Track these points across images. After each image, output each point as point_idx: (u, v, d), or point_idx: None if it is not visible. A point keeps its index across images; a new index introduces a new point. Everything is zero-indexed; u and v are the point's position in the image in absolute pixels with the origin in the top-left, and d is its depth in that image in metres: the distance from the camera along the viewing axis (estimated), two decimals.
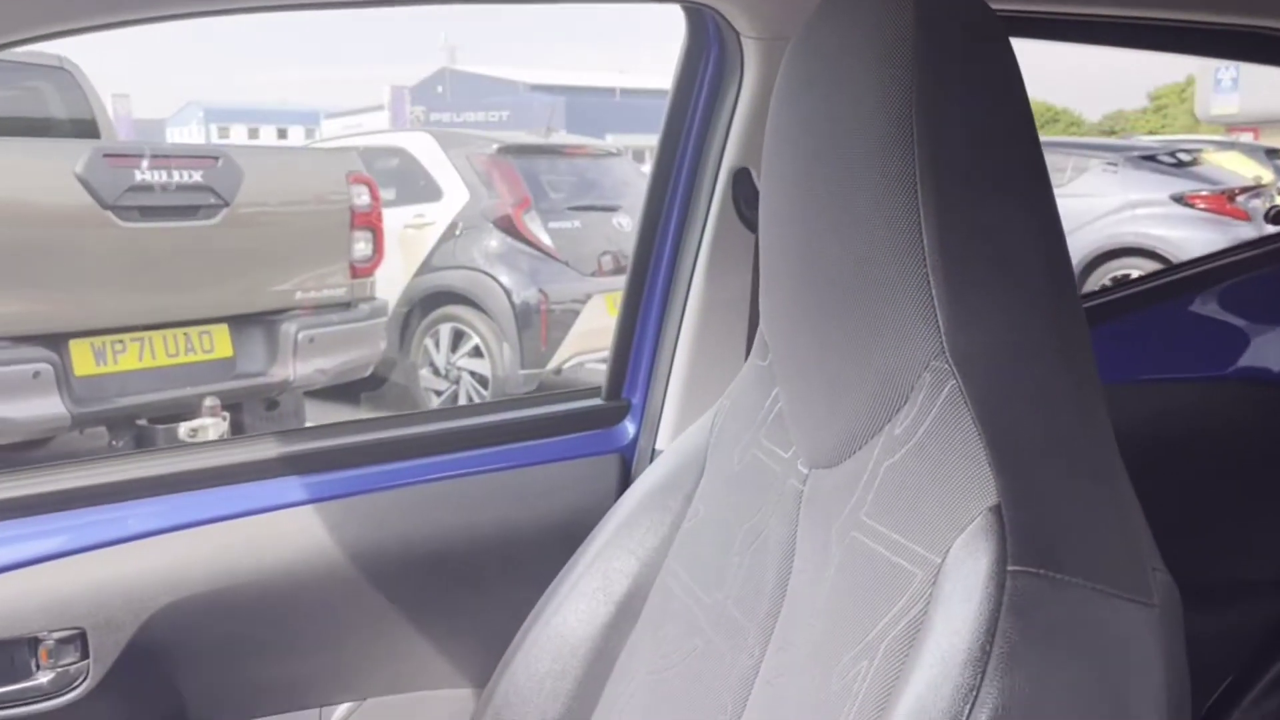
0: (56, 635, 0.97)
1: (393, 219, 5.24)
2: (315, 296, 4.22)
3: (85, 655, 0.98)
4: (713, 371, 1.09)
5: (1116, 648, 0.55)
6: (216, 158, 3.86)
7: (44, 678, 0.97)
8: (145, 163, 3.67)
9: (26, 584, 0.97)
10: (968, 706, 0.51)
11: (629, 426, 1.18)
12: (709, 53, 1.08)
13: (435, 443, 1.11)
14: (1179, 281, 1.35)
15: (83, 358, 3.59)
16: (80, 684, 0.98)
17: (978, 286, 0.60)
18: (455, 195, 5.72)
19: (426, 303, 5.58)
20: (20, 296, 3.42)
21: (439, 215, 5.73)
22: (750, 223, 1.04)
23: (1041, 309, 0.62)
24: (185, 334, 3.85)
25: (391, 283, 5.31)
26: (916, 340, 0.61)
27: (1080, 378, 0.62)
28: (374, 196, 4.45)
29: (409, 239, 5.71)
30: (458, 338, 5.55)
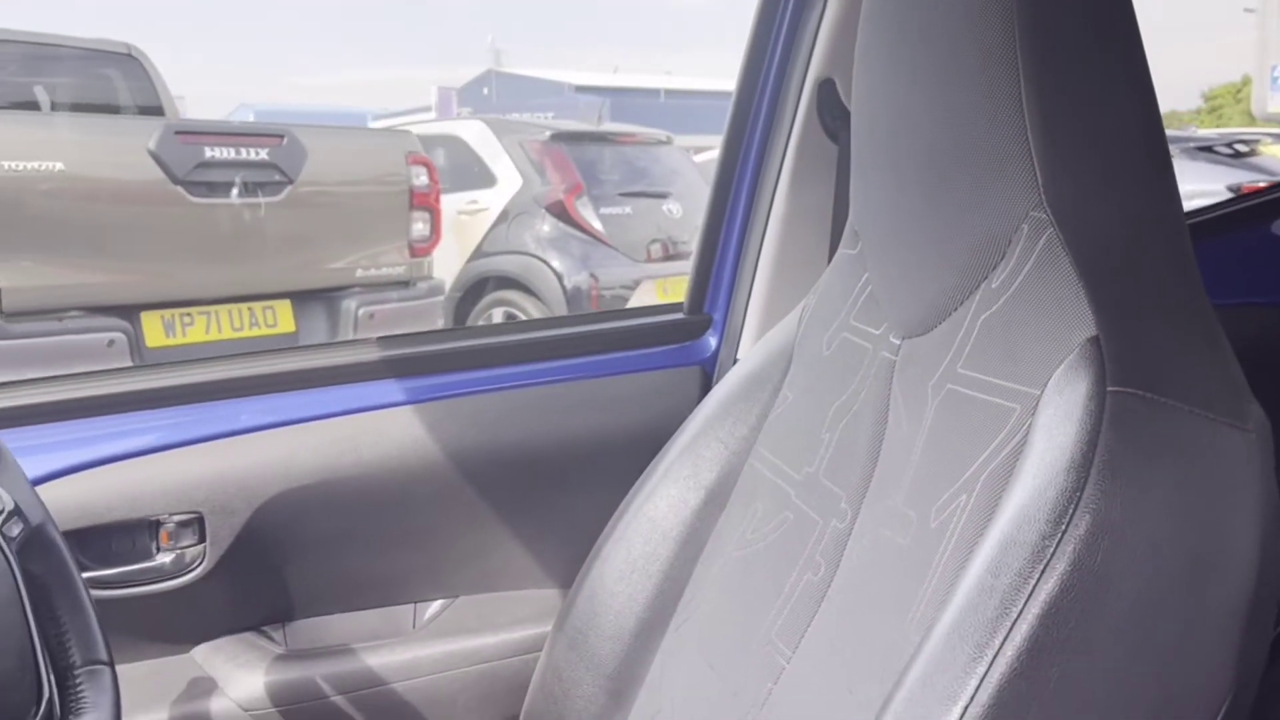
0: (176, 518, 1.03)
1: (447, 205, 5.32)
2: (375, 274, 4.31)
3: (202, 539, 1.04)
4: (794, 285, 1.12)
5: (1214, 467, 0.58)
6: (282, 136, 3.96)
7: (164, 559, 1.03)
8: (214, 140, 3.78)
9: (149, 470, 1.03)
10: (1071, 508, 0.55)
11: (710, 340, 1.22)
12: None
13: (528, 351, 1.16)
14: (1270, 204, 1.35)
15: (153, 329, 3.70)
16: (197, 566, 1.04)
17: (1074, 142, 0.64)
18: (508, 182, 5.81)
19: (479, 287, 5.67)
20: (97, 268, 3.53)
21: (492, 201, 5.81)
22: (834, 133, 1.08)
23: (1136, 162, 0.65)
24: (250, 308, 3.95)
25: (446, 268, 5.40)
26: (1015, 196, 0.64)
27: (1171, 226, 0.66)
28: (432, 178, 4.53)
29: (463, 225, 5.80)
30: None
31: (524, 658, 1.09)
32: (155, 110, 4.74)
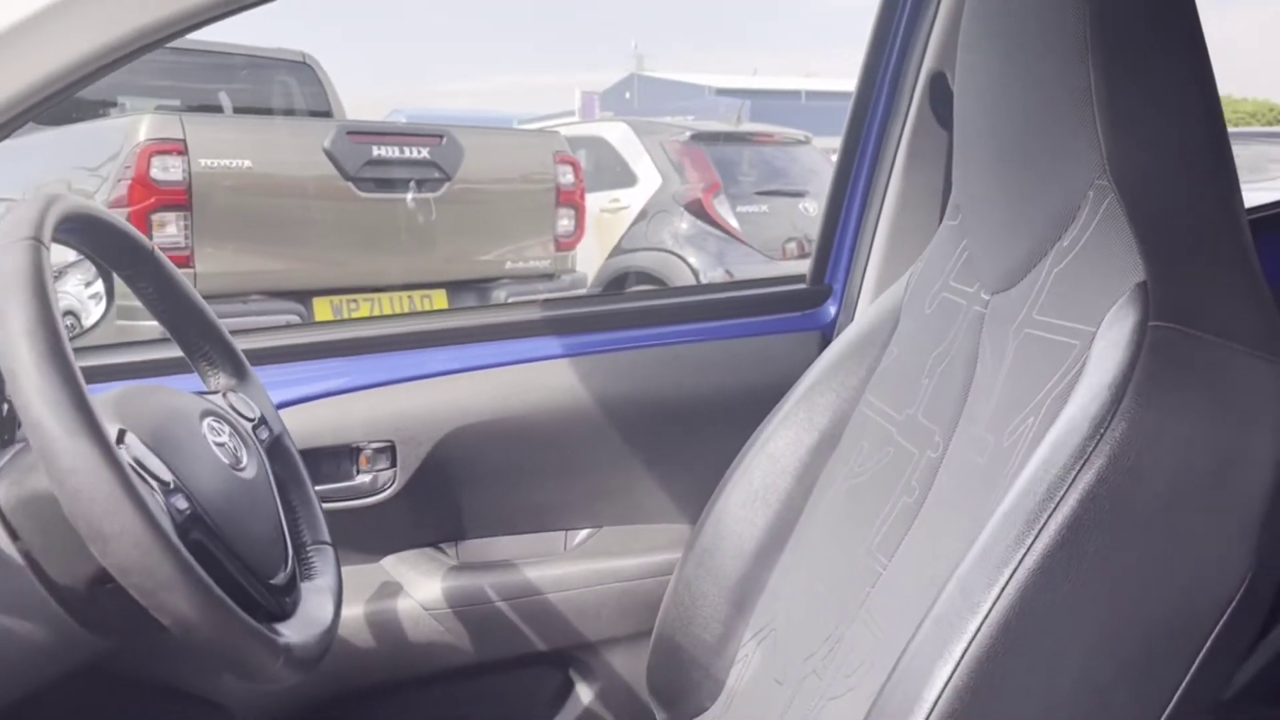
0: (373, 445, 1.24)
1: (590, 203, 5.55)
2: (522, 267, 4.57)
3: (394, 464, 1.25)
4: (905, 258, 1.25)
5: (1242, 388, 0.70)
6: (442, 136, 4.24)
7: (363, 479, 1.24)
8: (381, 139, 4.10)
9: (353, 405, 1.24)
10: (1110, 416, 0.67)
11: (830, 308, 1.36)
12: None
13: (669, 314, 1.32)
14: None
15: (323, 313, 4.03)
16: (388, 488, 1.25)
17: (1134, 122, 0.76)
18: (649, 181, 6.00)
19: (618, 281, 5.87)
20: (277, 256, 3.88)
21: (633, 200, 6.02)
22: (944, 121, 1.20)
23: (1192, 139, 0.76)
24: (409, 296, 4.25)
25: (588, 262, 5.63)
26: (1083, 169, 0.76)
27: (1223, 186, 0.77)
28: (578, 176, 4.76)
29: (604, 223, 6.02)
30: None
31: (658, 579, 1.25)
32: (325, 113, 5.13)
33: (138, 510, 0.65)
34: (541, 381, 1.28)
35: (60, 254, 0.96)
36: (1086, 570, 0.66)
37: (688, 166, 5.93)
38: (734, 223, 5.80)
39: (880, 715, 0.69)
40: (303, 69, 5.27)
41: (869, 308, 1.09)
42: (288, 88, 5.24)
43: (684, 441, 1.31)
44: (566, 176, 4.67)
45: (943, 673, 0.65)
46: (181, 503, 0.74)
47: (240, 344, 1.02)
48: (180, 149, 3.62)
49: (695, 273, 5.66)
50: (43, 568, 0.75)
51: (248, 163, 3.78)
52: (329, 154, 3.95)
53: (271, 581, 0.83)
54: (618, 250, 5.97)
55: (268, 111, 5.00)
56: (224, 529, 0.78)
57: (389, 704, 1.25)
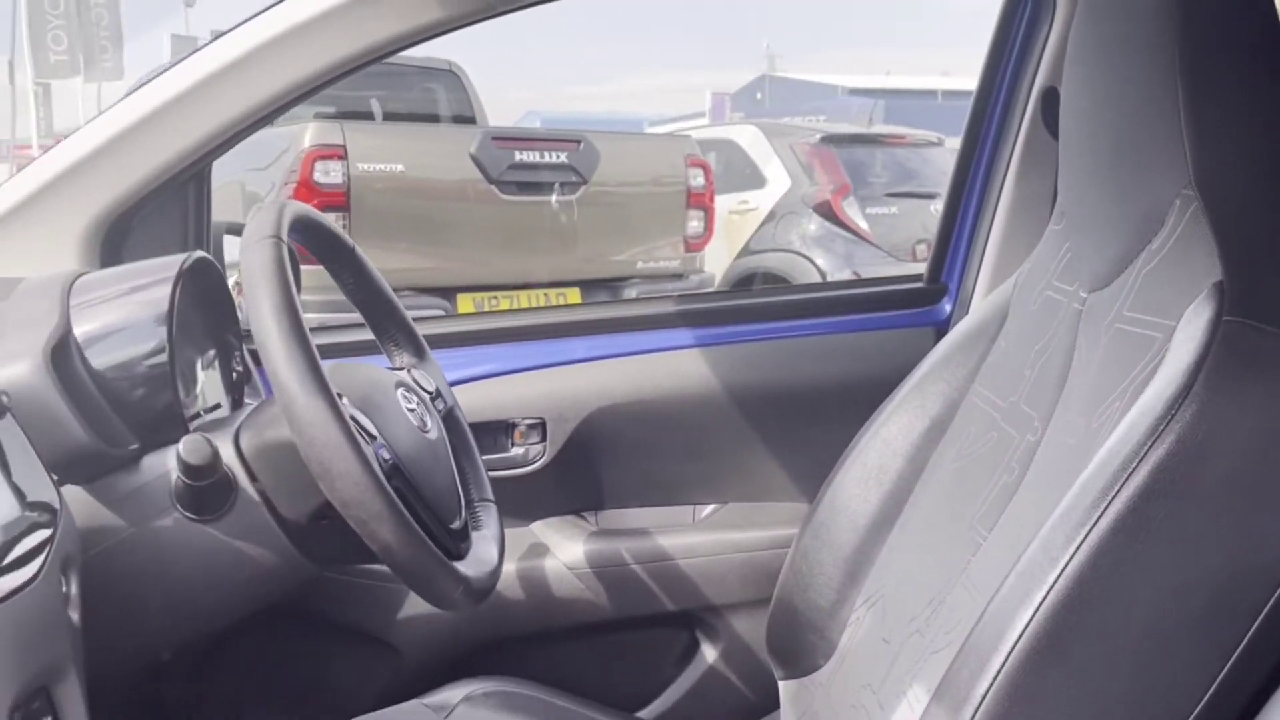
0: (526, 422, 1.40)
1: (719, 205, 5.66)
2: (653, 267, 4.73)
3: (544, 439, 1.40)
4: (1015, 260, 1.33)
5: None
6: (579, 141, 4.44)
7: (517, 451, 1.40)
8: (524, 144, 4.32)
9: (509, 386, 1.40)
10: (1181, 399, 0.76)
11: (946, 305, 1.45)
12: (1025, 1, 1.34)
13: (793, 309, 1.44)
14: None
15: (466, 308, 4.27)
16: (539, 459, 1.40)
17: (1218, 134, 0.84)
18: (778, 183, 6.08)
19: (744, 283, 5.96)
20: (425, 254, 4.14)
21: (761, 202, 6.11)
22: (1054, 131, 1.28)
23: (1272, 148, 0.84)
24: (546, 294, 4.46)
25: (716, 263, 5.75)
26: (1171, 177, 0.85)
27: None
28: (708, 179, 4.89)
29: (732, 224, 6.13)
30: None
31: (777, 551, 1.37)
32: (469, 119, 5.40)
33: (358, 456, 0.81)
34: (675, 369, 1.41)
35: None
36: (1155, 532, 0.75)
37: (817, 168, 5.99)
38: (863, 224, 5.83)
39: (968, 655, 0.80)
40: (449, 77, 5.55)
41: (980, 305, 1.19)
42: (435, 95, 5.53)
43: (804, 426, 1.42)
44: (697, 179, 4.81)
45: (1023, 617, 0.76)
46: (385, 453, 0.90)
47: (422, 330, 1.19)
48: (340, 154, 3.91)
49: (822, 274, 5.71)
50: (274, 504, 0.93)
51: (400, 167, 4.06)
52: (475, 159, 4.19)
53: (450, 527, 0.99)
54: (745, 251, 6.06)
55: (417, 118, 5.28)
56: (415, 478, 0.94)
57: (535, 652, 1.40)
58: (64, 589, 0.79)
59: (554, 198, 4.40)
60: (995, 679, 0.76)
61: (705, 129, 7.75)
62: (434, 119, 5.38)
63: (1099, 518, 0.76)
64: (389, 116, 5.00)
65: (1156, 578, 0.76)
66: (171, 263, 0.99)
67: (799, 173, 6.00)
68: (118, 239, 1.26)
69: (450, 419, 1.16)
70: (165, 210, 1.31)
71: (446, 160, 4.20)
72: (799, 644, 1.20)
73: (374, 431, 0.91)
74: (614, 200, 4.57)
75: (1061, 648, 0.76)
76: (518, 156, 4.26)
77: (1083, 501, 0.77)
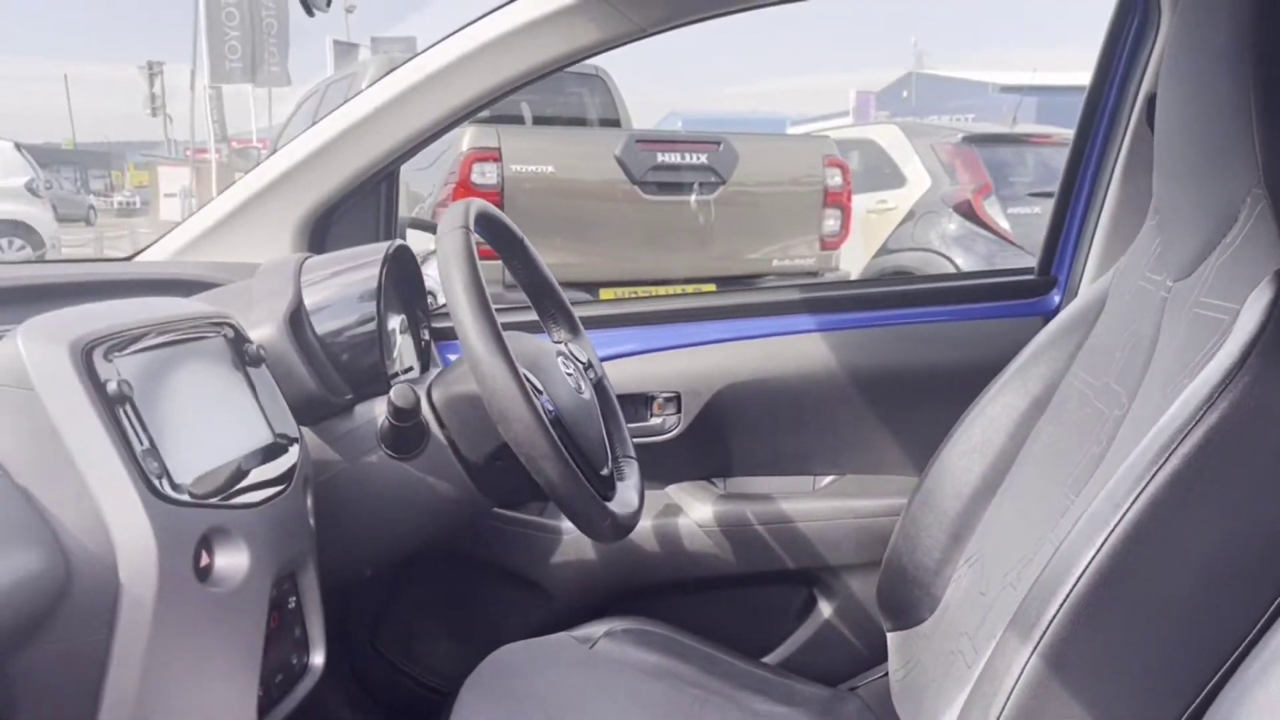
0: (664, 395, 1.57)
1: (857, 205, 5.72)
2: (788, 264, 4.85)
3: (679, 410, 1.57)
4: (1119, 254, 1.43)
5: None
6: (719, 143, 4.60)
7: (655, 421, 1.58)
8: (666, 146, 4.51)
9: (648, 365, 1.58)
10: (1236, 370, 0.87)
11: (1054, 296, 1.55)
12: (1134, 12, 1.43)
13: (908, 298, 1.57)
14: None
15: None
16: (675, 429, 1.58)
17: None
18: (917, 182, 6.09)
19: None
20: (571, 250, 4.38)
21: (900, 201, 6.13)
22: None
23: None
24: (683, 289, 4.64)
25: (853, 262, 5.81)
26: (1244, 178, 0.96)
27: None
28: (845, 179, 4.98)
29: (871, 223, 6.17)
30: None
31: (889, 518, 1.50)
32: (614, 121, 5.63)
33: (530, 404, 1.00)
34: (799, 351, 1.56)
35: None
36: (1208, 486, 0.87)
37: (959, 168, 5.97)
38: (1004, 224, 5.78)
39: (1039, 589, 0.93)
40: (595, 81, 5.79)
41: (1081, 294, 1.30)
42: (583, 99, 5.78)
43: (917, 406, 1.55)
44: (834, 179, 4.90)
45: (1087, 555, 0.88)
46: (549, 405, 1.09)
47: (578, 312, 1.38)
48: (496, 157, 4.18)
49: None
50: (458, 447, 1.13)
51: (550, 168, 4.30)
52: (619, 160, 4.41)
53: (600, 473, 1.17)
54: (884, 250, 6.09)
55: (566, 121, 5.54)
56: (572, 429, 1.12)
57: (668, 599, 1.57)
58: (305, 499, 1.00)
59: (693, 197, 4.58)
60: (1061, 607, 0.89)
61: (846, 129, 7.77)
62: (582, 122, 5.63)
63: (1158, 471, 0.88)
64: (540, 120, 5.27)
65: (1209, 528, 0.87)
66: (378, 249, 1.21)
67: (939, 172, 5.99)
68: (323, 229, 1.50)
69: (599, 386, 1.34)
70: (361, 205, 1.54)
71: (592, 162, 4.43)
72: (907, 600, 1.34)
73: (540, 388, 1.10)
74: (751, 199, 4.72)
75: (1120, 583, 0.88)
76: (660, 158, 4.46)
77: (1145, 457, 0.90)
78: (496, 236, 1.26)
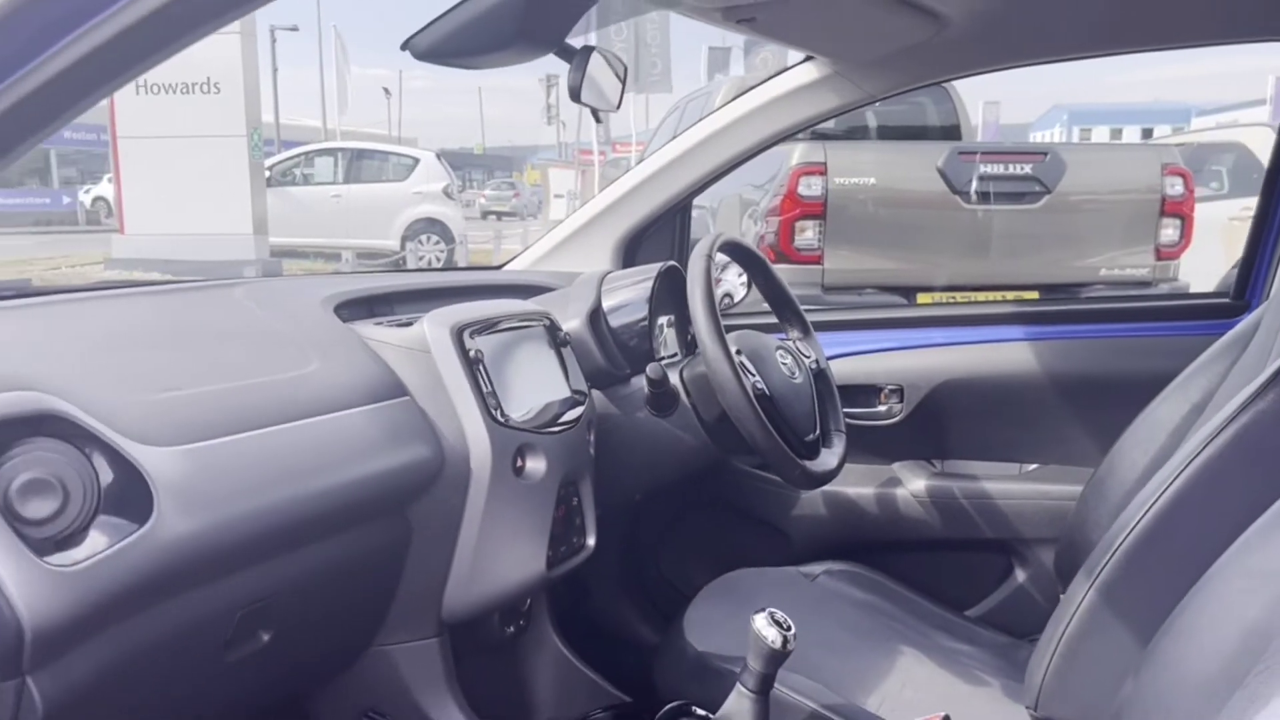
0: (889, 387, 1.92)
1: (1219, 211, 5.46)
2: (1117, 274, 4.81)
3: (902, 400, 1.92)
4: None
5: None
6: (1044, 154, 4.69)
7: (881, 408, 1.93)
8: (988, 158, 4.67)
9: (878, 361, 1.93)
10: (1270, 385, 1.12)
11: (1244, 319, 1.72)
12: None
13: (1107, 315, 1.80)
14: None
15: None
16: (898, 415, 1.92)
17: None
18: None
19: None
20: (889, 257, 4.68)
21: None
22: None
23: None
24: (1002, 296, 4.76)
25: (1207, 272, 5.55)
26: None
27: None
28: (1188, 188, 4.84)
29: (1233, 231, 5.83)
30: None
31: (1069, 502, 1.75)
32: (954, 130, 5.79)
33: (738, 381, 1.43)
34: (1007, 356, 1.86)
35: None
36: (1234, 472, 1.12)
37: None
38: None
39: (1105, 541, 1.22)
40: (938, 90, 5.96)
41: (1250, 316, 1.50)
42: (924, 108, 5.98)
43: (1106, 408, 1.78)
44: (1175, 188, 4.78)
45: (1138, 516, 1.17)
46: (760, 384, 1.52)
47: (808, 317, 1.79)
48: (821, 170, 4.58)
49: None
50: (698, 410, 1.58)
51: (872, 180, 4.63)
52: (941, 171, 4.64)
53: (805, 439, 1.57)
54: None
55: (905, 130, 5.78)
56: (779, 403, 1.54)
57: (883, 554, 1.92)
58: (589, 435, 1.51)
59: (1016, 206, 4.70)
60: (1113, 554, 1.17)
61: (1215, 132, 7.29)
62: (923, 131, 5.85)
63: (1195, 457, 1.15)
64: (884, 129, 5.54)
65: (1249, 491, 1.12)
66: (654, 268, 1.69)
67: None
68: (634, 247, 2.01)
69: (820, 375, 1.73)
70: (662, 229, 2.03)
71: (914, 173, 4.70)
72: (1078, 565, 1.61)
73: (754, 371, 1.53)
74: (1078, 209, 4.74)
75: (1159, 540, 1.16)
76: (982, 169, 4.63)
77: (1192, 445, 1.17)
78: (742, 257, 1.69)
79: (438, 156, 13.28)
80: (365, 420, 1.22)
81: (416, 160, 12.99)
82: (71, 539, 0.86)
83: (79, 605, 0.85)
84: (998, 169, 4.65)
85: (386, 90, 37.19)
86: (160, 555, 0.92)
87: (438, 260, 12.06)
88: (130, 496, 0.91)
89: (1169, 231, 4.81)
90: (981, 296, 4.72)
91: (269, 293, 1.43)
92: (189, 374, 1.09)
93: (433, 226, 12.52)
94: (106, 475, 0.90)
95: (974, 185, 4.64)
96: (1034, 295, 4.75)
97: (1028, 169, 4.65)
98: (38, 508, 0.85)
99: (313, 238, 11.87)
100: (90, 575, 0.86)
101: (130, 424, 0.95)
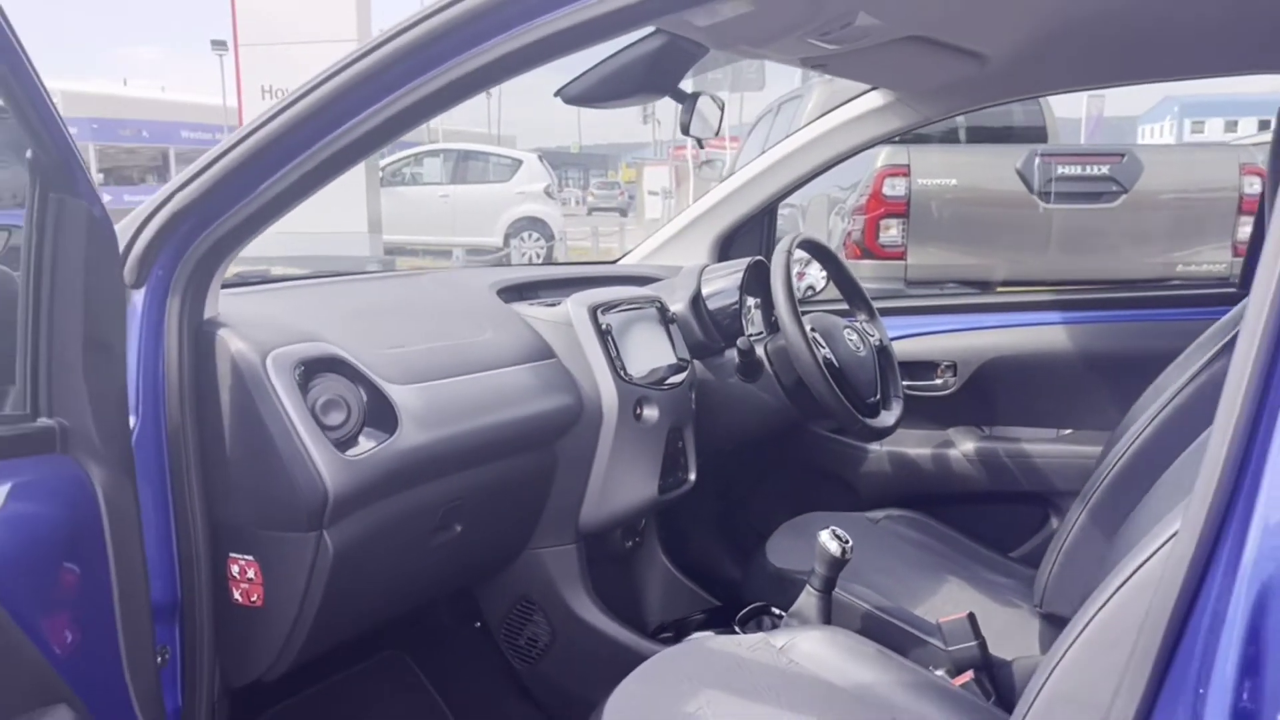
0: (944, 362, 2.27)
1: None
2: (1194, 270, 5.00)
3: (955, 374, 2.26)
4: None
5: None
6: (1122, 155, 4.91)
7: (937, 381, 2.28)
8: (1066, 159, 4.92)
9: (935, 341, 2.28)
10: (1228, 347, 1.46)
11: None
12: None
13: (1133, 302, 2.13)
14: None
15: None
16: (952, 387, 2.27)
17: None
18: None
19: None
20: (969, 254, 4.97)
21: None
22: None
23: None
24: (1080, 290, 5.00)
25: None
26: None
27: None
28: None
29: None
30: None
31: (1095, 460, 2.08)
32: (1039, 130, 6.00)
33: (810, 351, 1.81)
34: (1049, 338, 2.19)
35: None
36: (1196, 419, 1.46)
37: None
38: None
39: (1098, 472, 1.56)
40: None
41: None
42: (1010, 112, 6.20)
43: (1131, 380, 2.11)
44: (1253, 187, 4.95)
45: (1122, 449, 1.51)
46: (829, 354, 1.89)
47: (875, 304, 2.15)
48: (905, 172, 4.89)
49: None
50: (779, 376, 1.96)
51: (953, 181, 4.92)
52: (1019, 173, 4.91)
53: (866, 401, 1.94)
54: None
55: (990, 131, 6.02)
56: (844, 371, 1.91)
57: (939, 505, 2.26)
58: (690, 394, 1.91)
59: (1094, 206, 4.93)
60: (1103, 480, 1.52)
61: None
62: (1007, 132, 6.08)
63: (1167, 404, 1.49)
64: (972, 129, 5.78)
65: (1200, 430, 1.46)
66: (743, 262, 2.08)
67: None
68: (729, 244, 2.39)
69: (883, 350, 2.10)
70: (751, 229, 2.42)
71: (993, 174, 4.97)
72: None
73: (824, 344, 1.90)
74: (1155, 207, 4.96)
75: (1140, 468, 1.50)
76: (1060, 170, 4.88)
77: (1161, 395, 1.50)
78: (817, 252, 2.07)
79: (539, 158, 13.85)
80: (526, 375, 1.64)
81: (519, 162, 13.59)
82: (351, 440, 1.30)
83: (358, 483, 1.28)
84: (1075, 170, 4.89)
85: (488, 92, 38.06)
86: (402, 457, 1.35)
87: (538, 256, 12.63)
88: (384, 416, 1.34)
89: (1247, 229, 4.98)
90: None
91: (449, 280, 1.87)
92: (410, 336, 1.52)
93: (534, 224, 13.09)
94: (369, 401, 1.33)
95: (1052, 186, 4.89)
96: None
97: (1105, 170, 4.88)
98: (334, 418, 1.28)
99: (422, 235, 12.54)
100: (363, 464, 1.29)
101: (379, 368, 1.38)
